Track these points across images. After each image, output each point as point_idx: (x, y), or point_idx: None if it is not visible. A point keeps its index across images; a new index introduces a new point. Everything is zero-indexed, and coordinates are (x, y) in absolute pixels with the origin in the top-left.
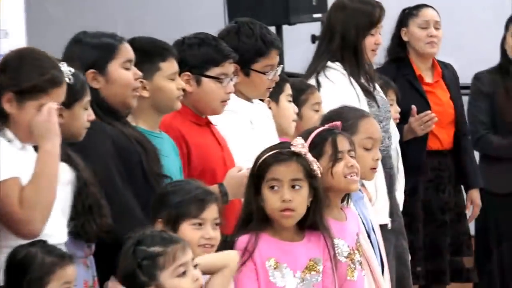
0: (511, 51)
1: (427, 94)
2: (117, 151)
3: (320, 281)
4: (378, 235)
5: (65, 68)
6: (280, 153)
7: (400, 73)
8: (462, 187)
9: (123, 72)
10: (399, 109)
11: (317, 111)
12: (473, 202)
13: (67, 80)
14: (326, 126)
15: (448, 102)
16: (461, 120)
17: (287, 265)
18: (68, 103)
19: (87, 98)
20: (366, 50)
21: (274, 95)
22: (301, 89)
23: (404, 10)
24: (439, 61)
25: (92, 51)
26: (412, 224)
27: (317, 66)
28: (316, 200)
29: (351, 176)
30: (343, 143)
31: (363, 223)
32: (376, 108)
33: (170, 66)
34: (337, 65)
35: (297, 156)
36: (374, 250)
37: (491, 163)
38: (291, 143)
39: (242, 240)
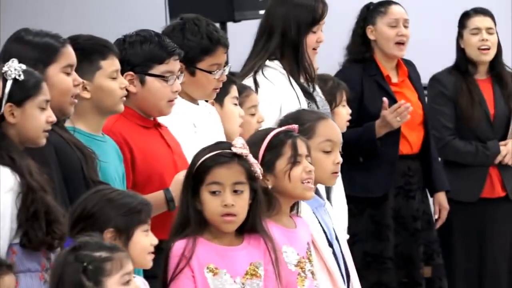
0: (470, 49)
1: (395, 95)
2: (59, 157)
3: (261, 286)
4: (343, 244)
5: (15, 64)
6: (221, 155)
7: (367, 73)
8: (427, 191)
9: (63, 77)
10: (350, 111)
11: (253, 114)
12: (441, 205)
13: (16, 76)
14: (284, 128)
15: (417, 102)
16: (427, 120)
17: (226, 271)
18: (19, 101)
19: (43, 97)
20: (307, 48)
21: (219, 97)
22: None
23: (367, 7)
24: (402, 59)
25: (32, 51)
26: (381, 233)
27: (254, 64)
28: (256, 202)
29: (308, 182)
30: (302, 147)
31: (324, 232)
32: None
33: (111, 64)
34: (276, 64)
35: (239, 157)
36: (338, 261)
37: (454, 170)
38: (232, 143)
39: (179, 245)
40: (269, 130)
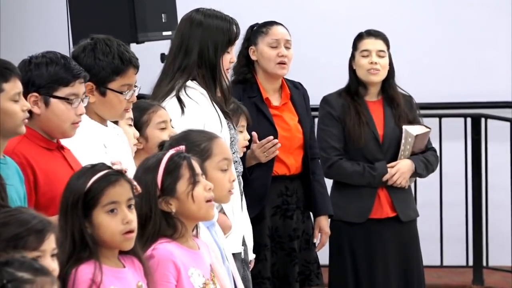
0: (360, 71)
1: (274, 118)
2: None
3: None
4: (232, 264)
5: None
6: (110, 175)
7: (246, 95)
8: (311, 213)
9: None
10: (248, 136)
11: (163, 129)
12: (321, 229)
13: None
14: (173, 150)
15: (296, 126)
16: (310, 144)
17: None
18: None
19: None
20: (223, 68)
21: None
22: (143, 109)
23: (252, 27)
24: (288, 81)
25: None
26: (259, 253)
27: (174, 84)
28: None
29: (209, 201)
30: (197, 166)
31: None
32: (233, 130)
33: (13, 86)
34: (195, 84)
35: (123, 175)
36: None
37: (344, 192)
38: (112, 162)
39: (85, 271)
40: (160, 154)
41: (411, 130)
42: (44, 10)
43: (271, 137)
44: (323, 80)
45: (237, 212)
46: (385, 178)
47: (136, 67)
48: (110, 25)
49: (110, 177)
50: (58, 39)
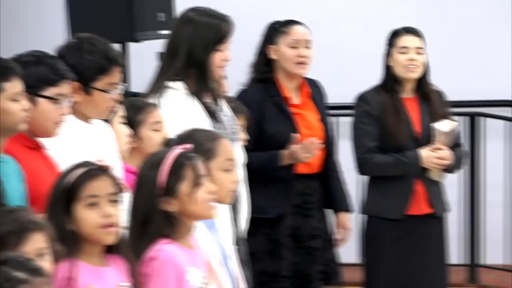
0: (398, 68)
1: (295, 117)
2: None
3: None
4: (235, 264)
5: None
6: (91, 169)
7: (267, 94)
8: (331, 211)
9: None
10: (247, 137)
11: (157, 130)
12: (342, 226)
13: None
14: (180, 149)
15: (318, 124)
16: (329, 142)
17: None
18: None
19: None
20: (213, 66)
21: None
22: (138, 108)
23: (272, 26)
24: (307, 79)
25: None
26: (276, 251)
27: (160, 85)
28: None
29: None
30: (201, 167)
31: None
32: (222, 130)
33: (14, 86)
34: (179, 85)
35: (106, 171)
36: (232, 280)
37: (380, 187)
38: (96, 160)
39: (62, 268)
40: (166, 152)
41: (441, 127)
42: (42, 9)
43: (314, 138)
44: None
45: (224, 212)
46: (426, 150)
47: (121, 65)
48: (108, 24)
49: (91, 171)
50: (56, 38)
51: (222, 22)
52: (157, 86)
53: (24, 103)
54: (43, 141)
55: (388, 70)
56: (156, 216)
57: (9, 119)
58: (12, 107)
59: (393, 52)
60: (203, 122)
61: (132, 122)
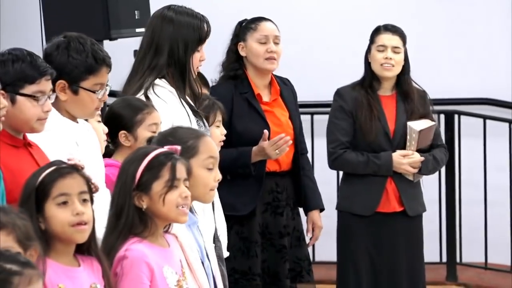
0: (375, 65)
1: (265, 114)
2: None
3: None
4: (213, 262)
5: None
6: (62, 168)
7: (238, 91)
8: (301, 209)
9: None
10: (225, 131)
11: (154, 132)
12: (314, 224)
13: None
14: (166, 148)
15: (287, 122)
16: (299, 139)
17: None
18: None
19: None
20: (193, 66)
21: None
22: (137, 108)
23: (240, 23)
24: (277, 77)
25: None
26: (249, 249)
27: (143, 82)
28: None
29: (183, 207)
30: (181, 170)
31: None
32: (203, 127)
33: None
34: (164, 82)
35: (77, 170)
36: (208, 278)
37: (352, 183)
38: (68, 158)
39: None
40: (150, 149)
41: (415, 126)
42: (16, 7)
43: (283, 134)
44: (312, 76)
45: (208, 210)
46: (397, 154)
47: (109, 66)
48: (83, 22)
49: (61, 169)
50: (31, 36)
51: (202, 23)
52: (140, 84)
53: (1, 100)
54: (32, 138)
55: (369, 67)
56: (127, 209)
57: None
58: None
59: (372, 48)
60: (189, 119)
61: (130, 121)
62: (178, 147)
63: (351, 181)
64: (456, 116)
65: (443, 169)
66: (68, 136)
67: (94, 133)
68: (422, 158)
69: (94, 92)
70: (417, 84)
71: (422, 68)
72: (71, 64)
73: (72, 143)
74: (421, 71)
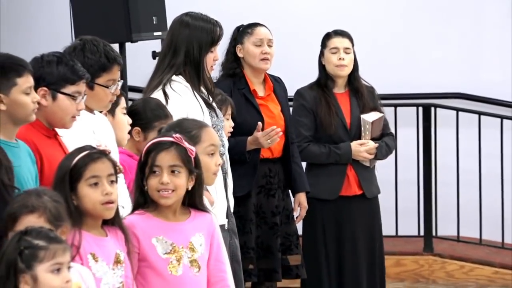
0: (330, 66)
1: (260, 107)
2: None
3: (123, 272)
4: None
5: None
6: (93, 153)
7: (236, 87)
8: (290, 191)
9: None
10: (233, 123)
11: None
12: (300, 204)
13: None
14: (165, 138)
15: (279, 114)
16: (289, 130)
17: (102, 258)
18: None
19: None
20: (207, 65)
21: (111, 108)
22: (156, 115)
23: (238, 28)
24: (270, 75)
25: None
26: (245, 226)
27: (162, 78)
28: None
29: (163, 192)
30: (166, 159)
31: None
32: (216, 118)
33: (26, 81)
34: (181, 78)
35: (105, 154)
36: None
37: (316, 172)
38: (96, 144)
39: (68, 236)
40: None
41: (367, 118)
42: (48, 12)
43: (275, 126)
44: (294, 74)
45: (220, 189)
46: (355, 144)
47: (120, 64)
48: (108, 26)
49: (93, 154)
50: (61, 37)
51: (215, 27)
52: (159, 80)
53: (35, 95)
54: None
55: (323, 68)
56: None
57: (21, 110)
58: (24, 99)
59: (325, 52)
60: (201, 110)
61: (148, 124)
62: (178, 136)
63: (315, 171)
64: (432, 109)
65: (421, 155)
66: (86, 125)
67: (109, 124)
68: (377, 145)
69: (107, 87)
70: (365, 81)
71: (404, 65)
72: (87, 64)
73: (89, 131)
74: (403, 68)
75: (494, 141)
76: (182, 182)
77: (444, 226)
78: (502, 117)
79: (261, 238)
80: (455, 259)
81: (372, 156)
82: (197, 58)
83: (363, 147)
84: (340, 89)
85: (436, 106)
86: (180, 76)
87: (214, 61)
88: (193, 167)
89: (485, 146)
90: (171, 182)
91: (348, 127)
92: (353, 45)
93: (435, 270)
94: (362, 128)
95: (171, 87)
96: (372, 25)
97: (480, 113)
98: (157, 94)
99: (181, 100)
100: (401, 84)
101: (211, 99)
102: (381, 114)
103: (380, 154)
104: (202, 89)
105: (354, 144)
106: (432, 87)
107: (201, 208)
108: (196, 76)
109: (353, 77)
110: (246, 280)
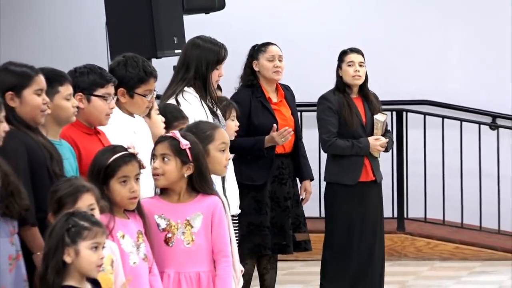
0: (347, 77)
1: (274, 111)
2: (28, 153)
3: (145, 248)
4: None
5: None
6: (125, 156)
7: (254, 95)
8: (298, 179)
9: (35, 97)
10: (238, 123)
11: None
12: (306, 189)
13: None
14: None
15: (290, 117)
16: (297, 129)
17: (129, 235)
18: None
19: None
20: (212, 80)
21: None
22: (175, 117)
23: (253, 47)
24: (281, 84)
25: (13, 77)
26: (261, 209)
27: (176, 89)
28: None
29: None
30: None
31: None
32: (218, 123)
33: (66, 89)
34: (191, 90)
35: (135, 156)
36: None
37: (339, 162)
38: (128, 146)
39: (103, 219)
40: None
41: (379, 118)
42: (87, 32)
43: (287, 127)
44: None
45: (231, 179)
46: (372, 139)
47: (155, 77)
48: (137, 45)
49: (125, 157)
50: (98, 54)
51: (221, 49)
52: (173, 90)
53: (74, 101)
54: (102, 128)
55: (340, 78)
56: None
57: (63, 113)
58: (65, 104)
59: (343, 65)
60: (206, 116)
61: (168, 124)
62: (176, 132)
63: (338, 161)
64: (404, 113)
65: (395, 151)
66: (127, 127)
67: (146, 125)
68: (387, 140)
69: (145, 96)
70: (371, 91)
71: (381, 76)
72: (128, 76)
73: (130, 132)
74: (381, 79)
75: (455, 139)
76: (171, 168)
77: (414, 210)
78: (461, 120)
79: (276, 218)
80: (423, 236)
81: (383, 149)
82: (204, 74)
83: (378, 142)
84: (354, 95)
85: (407, 111)
86: (190, 88)
87: (219, 77)
88: (187, 158)
89: (447, 144)
90: (160, 168)
91: (365, 125)
92: (364, 60)
93: (406, 246)
94: (375, 126)
95: (182, 96)
96: (358, 42)
97: (443, 117)
98: (171, 102)
99: (191, 107)
100: (377, 91)
101: (215, 107)
102: (386, 115)
103: (388, 147)
104: (208, 99)
105: (371, 139)
106: (404, 94)
107: (209, 192)
108: (203, 89)
109: (364, 85)
110: (262, 253)
